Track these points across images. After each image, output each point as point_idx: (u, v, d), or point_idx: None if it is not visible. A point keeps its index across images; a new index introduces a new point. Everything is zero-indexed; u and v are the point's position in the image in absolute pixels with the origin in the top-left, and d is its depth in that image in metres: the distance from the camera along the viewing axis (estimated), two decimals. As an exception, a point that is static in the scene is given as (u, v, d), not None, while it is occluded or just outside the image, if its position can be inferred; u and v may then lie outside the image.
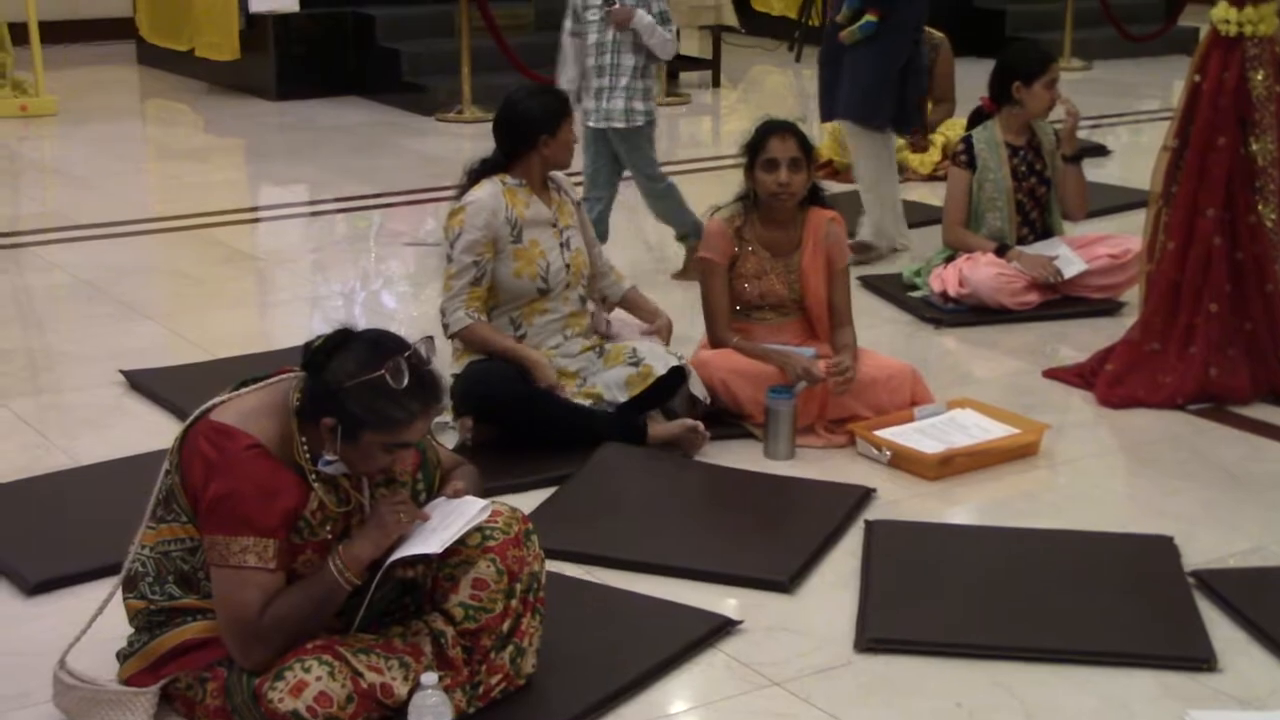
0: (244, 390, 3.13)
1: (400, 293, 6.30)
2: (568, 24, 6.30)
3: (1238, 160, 4.96)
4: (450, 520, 3.11)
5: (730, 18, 11.42)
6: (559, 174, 4.82)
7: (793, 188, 4.77)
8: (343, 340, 3.08)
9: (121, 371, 5.21)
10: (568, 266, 4.67)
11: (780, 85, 11.80)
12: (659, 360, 4.59)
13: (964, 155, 6.11)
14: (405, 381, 3.00)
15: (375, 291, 6.21)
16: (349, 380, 2.99)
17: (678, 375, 4.59)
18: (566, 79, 6.26)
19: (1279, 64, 5.00)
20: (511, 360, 4.54)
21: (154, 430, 4.66)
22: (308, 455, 3.05)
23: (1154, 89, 11.51)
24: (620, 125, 6.18)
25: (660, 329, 4.90)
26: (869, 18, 6.41)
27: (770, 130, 4.80)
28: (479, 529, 3.12)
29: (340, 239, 6.89)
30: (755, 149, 4.79)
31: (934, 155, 8.35)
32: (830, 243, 4.87)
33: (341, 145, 9.14)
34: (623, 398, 4.57)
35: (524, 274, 4.61)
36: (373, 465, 3.07)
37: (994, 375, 5.36)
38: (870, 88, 6.57)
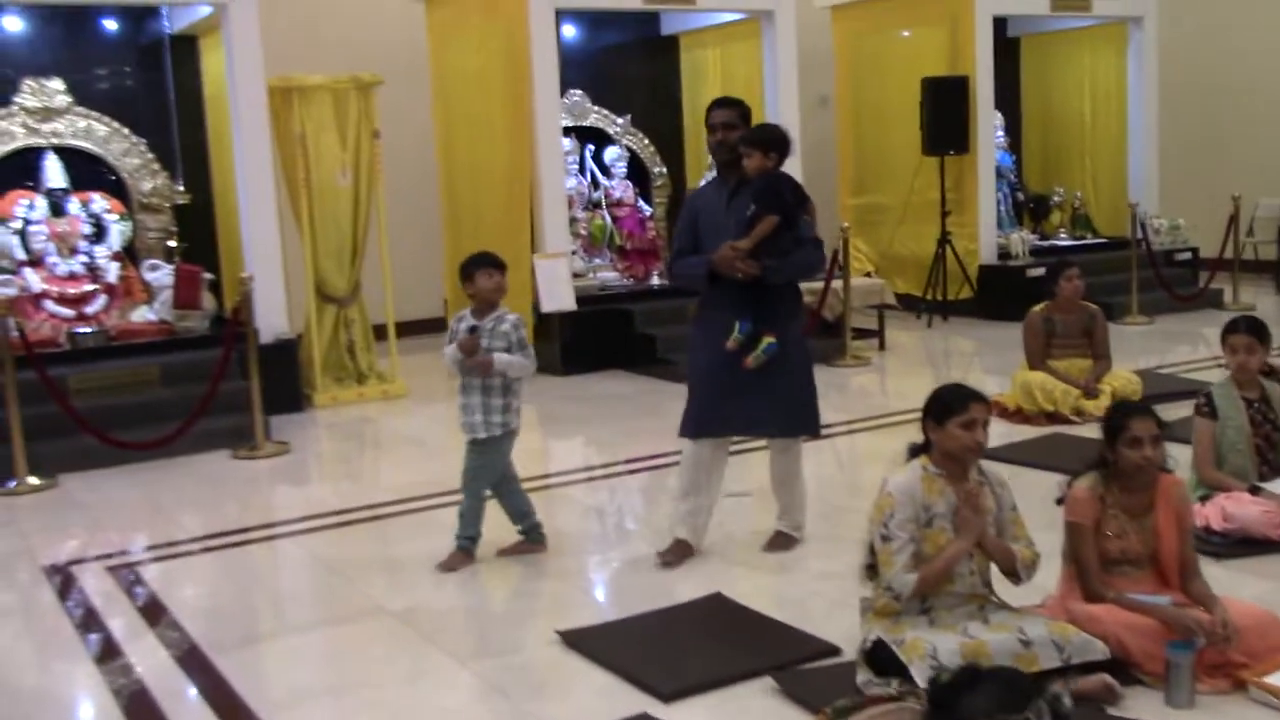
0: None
1: (741, 542, 5.31)
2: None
3: None
4: None
5: (890, 298, 10.66)
6: (988, 465, 3.87)
7: (1155, 460, 3.84)
8: (971, 679, 2.17)
9: (557, 631, 4.31)
10: (970, 555, 3.73)
11: (916, 343, 10.77)
12: (1047, 652, 3.49)
13: (1206, 407, 5.15)
14: None
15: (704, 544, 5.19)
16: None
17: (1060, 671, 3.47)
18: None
19: None
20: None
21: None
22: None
23: None
24: (480, 436, 5.05)
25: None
26: (769, 340, 4.83)
27: (1131, 412, 3.89)
28: None
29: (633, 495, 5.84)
30: (1119, 429, 3.87)
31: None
32: (1180, 505, 3.92)
33: (622, 410, 8.29)
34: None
35: (929, 556, 3.69)
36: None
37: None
38: (808, 400, 5.01)
